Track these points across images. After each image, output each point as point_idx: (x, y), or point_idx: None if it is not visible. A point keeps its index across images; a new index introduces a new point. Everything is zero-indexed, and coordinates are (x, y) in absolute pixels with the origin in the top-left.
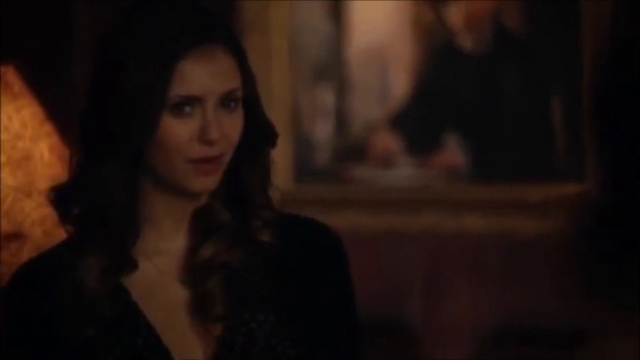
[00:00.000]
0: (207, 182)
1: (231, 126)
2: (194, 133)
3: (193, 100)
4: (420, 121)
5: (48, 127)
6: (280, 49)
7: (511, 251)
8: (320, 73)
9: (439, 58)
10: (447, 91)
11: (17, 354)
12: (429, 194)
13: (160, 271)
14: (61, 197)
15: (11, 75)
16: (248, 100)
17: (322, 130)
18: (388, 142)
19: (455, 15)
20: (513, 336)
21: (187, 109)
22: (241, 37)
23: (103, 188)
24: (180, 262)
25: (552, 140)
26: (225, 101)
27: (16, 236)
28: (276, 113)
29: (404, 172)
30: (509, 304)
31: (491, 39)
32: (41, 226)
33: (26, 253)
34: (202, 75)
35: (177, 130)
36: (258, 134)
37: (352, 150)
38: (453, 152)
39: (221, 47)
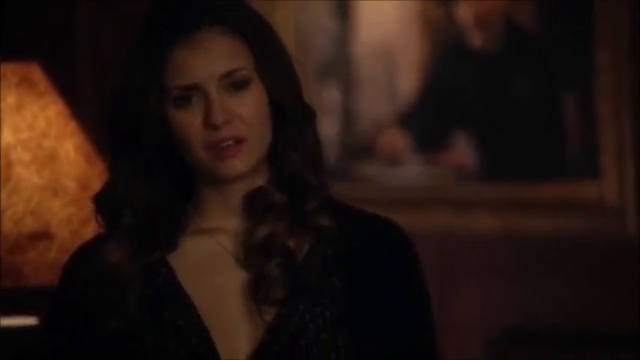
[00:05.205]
0: (233, 165)
1: (242, 106)
2: (202, 119)
3: (194, 89)
4: (428, 119)
5: (73, 126)
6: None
7: (521, 251)
8: (326, 71)
9: (448, 56)
10: (456, 89)
11: (56, 336)
12: (438, 193)
13: (220, 248)
14: (101, 205)
15: (37, 73)
16: (268, 79)
17: (329, 128)
18: (396, 140)
19: (464, 12)
20: (524, 336)
21: (190, 98)
22: None
23: (137, 188)
24: (239, 240)
25: (563, 138)
26: (230, 82)
27: (43, 236)
28: None
29: (412, 171)
30: (520, 305)
31: (502, 37)
32: (68, 225)
33: (53, 253)
34: (196, 62)
35: (186, 120)
36: (289, 113)
37: (359, 148)
38: (462, 151)
39: (217, 30)
